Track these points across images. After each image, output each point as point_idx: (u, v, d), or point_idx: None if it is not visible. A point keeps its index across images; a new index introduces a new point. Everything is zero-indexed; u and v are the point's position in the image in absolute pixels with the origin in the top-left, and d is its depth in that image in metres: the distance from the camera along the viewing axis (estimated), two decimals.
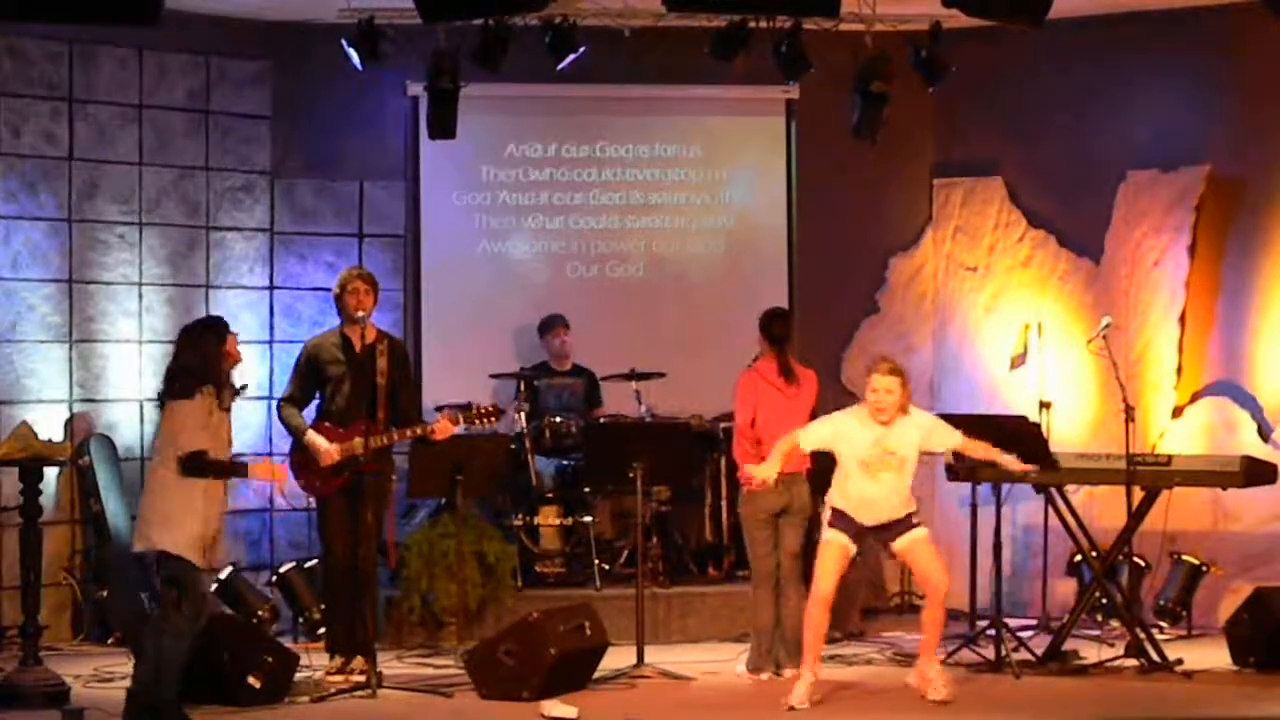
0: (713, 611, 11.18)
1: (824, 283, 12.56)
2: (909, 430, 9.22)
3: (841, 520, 9.22)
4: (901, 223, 12.83)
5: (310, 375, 9.98)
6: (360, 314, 9.83)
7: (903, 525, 9.23)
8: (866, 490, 9.17)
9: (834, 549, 9.21)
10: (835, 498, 9.27)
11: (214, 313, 11.75)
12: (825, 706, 9.24)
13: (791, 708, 9.05)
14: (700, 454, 11.35)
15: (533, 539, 11.31)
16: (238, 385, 8.70)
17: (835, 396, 10.65)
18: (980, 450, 9.48)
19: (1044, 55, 12.00)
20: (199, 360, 8.57)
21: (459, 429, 10.06)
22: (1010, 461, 9.45)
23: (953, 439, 9.42)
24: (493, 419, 10.16)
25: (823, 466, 10.56)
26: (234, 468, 8.60)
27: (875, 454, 9.16)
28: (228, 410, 8.62)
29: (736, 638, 10.72)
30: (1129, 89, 12.04)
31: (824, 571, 9.21)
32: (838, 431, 9.28)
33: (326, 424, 9.90)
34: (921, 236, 12.82)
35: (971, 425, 10.41)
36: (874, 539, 9.37)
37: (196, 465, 8.45)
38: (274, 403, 10.74)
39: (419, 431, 9.86)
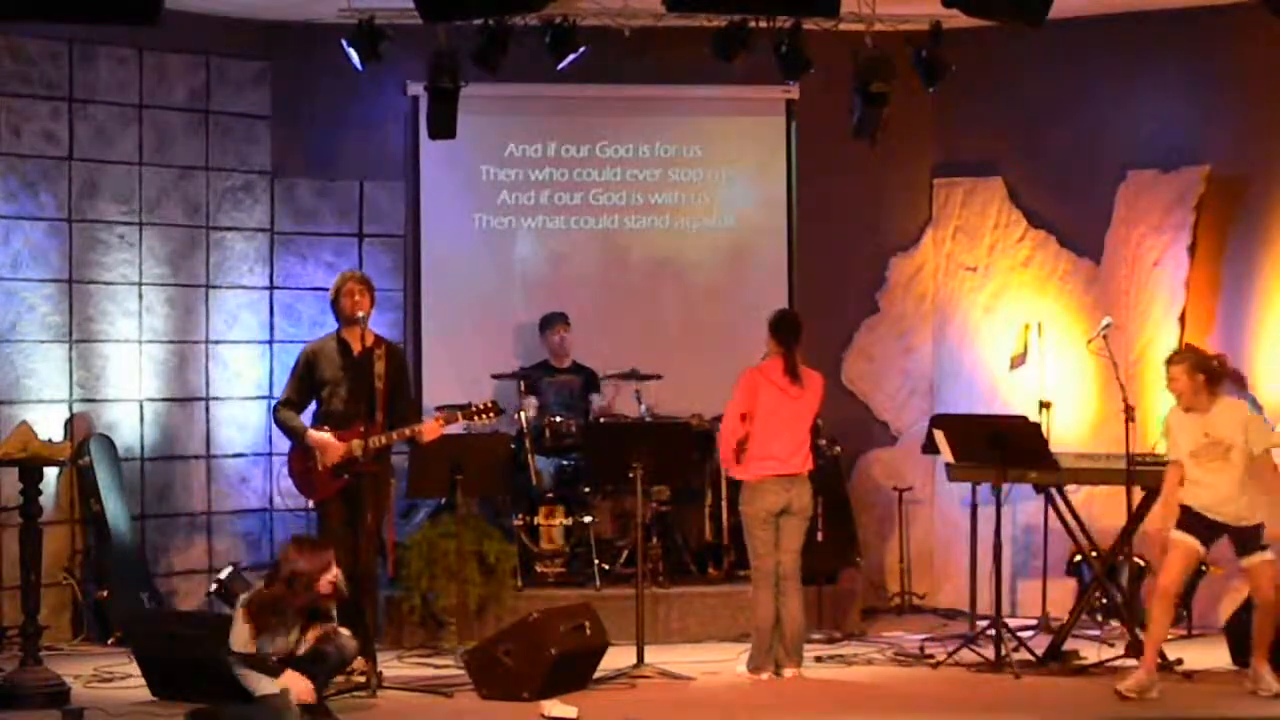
0: (713, 611, 11.18)
1: (824, 283, 12.55)
2: (1229, 417, 9.35)
3: (1188, 518, 9.34)
4: (901, 223, 12.83)
5: (308, 379, 9.98)
6: (360, 314, 9.83)
7: (1253, 540, 9.33)
8: (1203, 482, 9.31)
9: (1179, 549, 9.35)
10: (1184, 495, 9.42)
11: (214, 313, 11.82)
12: (826, 706, 9.25)
13: (1120, 695, 9.19)
14: (700, 454, 11.34)
15: (533, 539, 11.31)
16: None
17: (835, 397, 10.64)
18: None
19: (1044, 55, 12.00)
20: None
21: (458, 428, 10.04)
22: None
23: (1265, 440, 9.46)
24: (490, 415, 10.14)
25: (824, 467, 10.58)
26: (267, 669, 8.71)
27: (1203, 443, 9.34)
28: None
29: (736, 638, 10.72)
30: (1129, 89, 12.05)
31: (1167, 568, 9.38)
32: (1174, 428, 9.48)
33: (325, 427, 9.90)
34: (921, 236, 12.81)
35: (971, 425, 10.46)
36: (1229, 540, 9.42)
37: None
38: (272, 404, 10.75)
39: (408, 433, 9.86)
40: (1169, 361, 9.51)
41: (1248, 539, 9.34)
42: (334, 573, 8.82)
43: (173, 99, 11.83)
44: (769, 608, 9.89)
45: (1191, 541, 9.33)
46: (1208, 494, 9.33)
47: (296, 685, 8.54)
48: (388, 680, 9.59)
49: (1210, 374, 9.40)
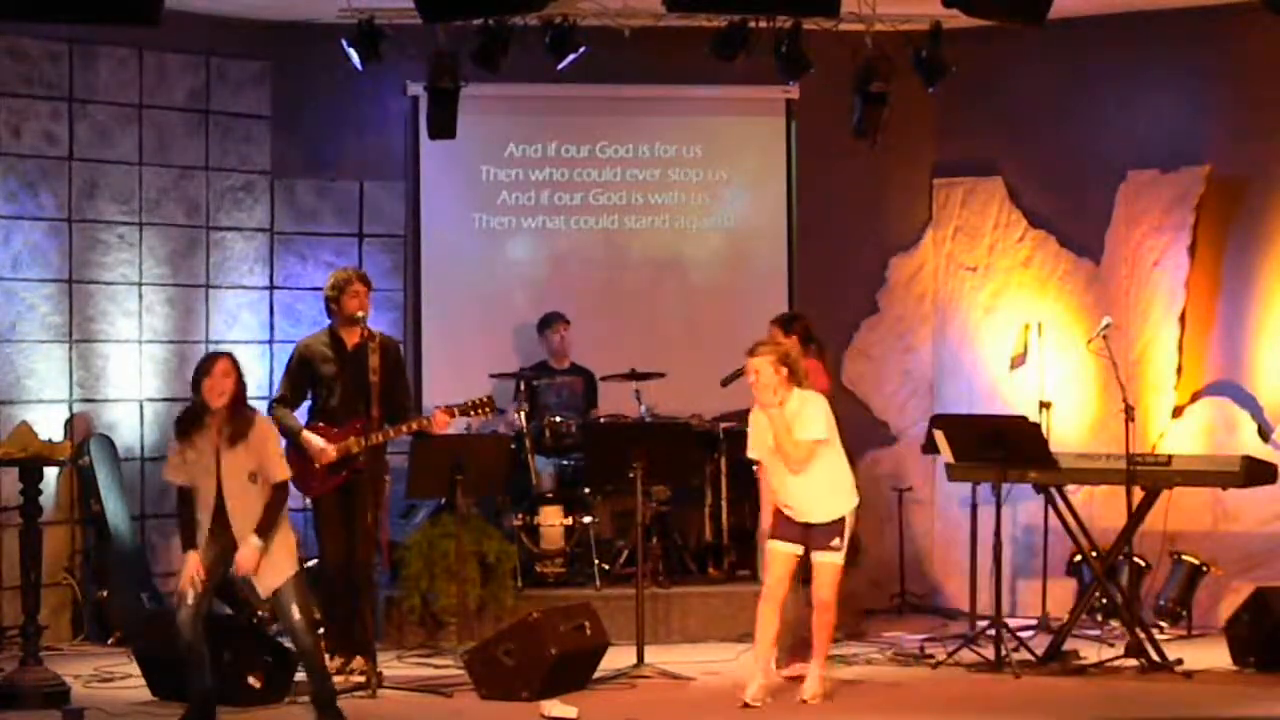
0: (713, 611, 11.18)
1: (824, 283, 12.56)
2: (796, 411, 9.12)
3: (781, 522, 9.20)
4: (901, 223, 12.83)
5: (302, 376, 9.98)
6: (361, 314, 9.83)
7: (826, 536, 9.17)
8: (786, 483, 9.16)
9: (774, 558, 9.22)
10: (776, 497, 9.26)
11: (214, 313, 11.82)
12: (826, 706, 9.24)
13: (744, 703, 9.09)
14: (700, 454, 11.34)
15: (533, 539, 11.31)
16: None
17: (835, 396, 10.62)
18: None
19: (1044, 55, 12.00)
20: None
21: (457, 421, 10.05)
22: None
23: (805, 433, 9.12)
24: (488, 410, 10.14)
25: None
26: (186, 536, 8.57)
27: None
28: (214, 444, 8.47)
29: (737, 638, 10.72)
30: (1129, 89, 12.04)
31: (767, 576, 9.28)
32: (755, 425, 9.25)
33: (321, 424, 9.91)
34: (921, 236, 12.81)
35: (971, 425, 10.46)
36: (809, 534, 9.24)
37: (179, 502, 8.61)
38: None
39: (415, 427, 9.86)
40: (750, 354, 9.17)
41: (823, 535, 9.16)
42: (219, 377, 8.43)
43: (173, 99, 11.83)
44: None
45: (785, 549, 9.18)
46: (793, 497, 9.16)
47: (190, 565, 8.44)
48: (388, 680, 9.59)
49: (792, 368, 9.14)
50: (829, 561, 9.17)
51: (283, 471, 8.61)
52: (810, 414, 9.14)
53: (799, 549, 9.21)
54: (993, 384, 12.40)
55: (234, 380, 8.47)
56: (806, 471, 9.13)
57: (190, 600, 8.44)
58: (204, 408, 8.46)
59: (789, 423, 9.10)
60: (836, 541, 9.17)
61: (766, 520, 9.32)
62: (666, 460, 10.45)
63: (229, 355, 8.60)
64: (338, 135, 12.26)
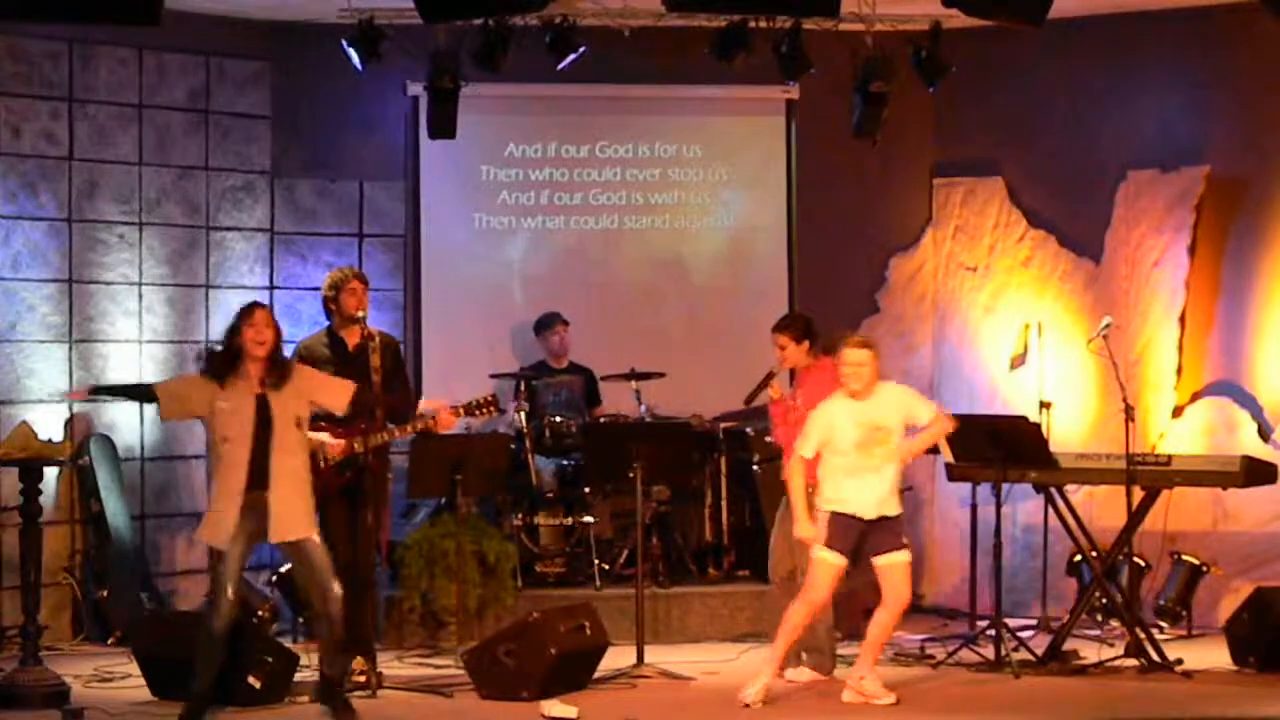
0: (713, 611, 11.18)
1: (824, 283, 12.55)
2: (889, 400, 9.17)
3: (837, 527, 9.09)
4: (901, 223, 12.83)
5: None
6: (361, 314, 9.81)
7: (893, 535, 9.16)
8: (860, 480, 9.08)
9: (827, 569, 9.13)
10: (831, 499, 9.16)
11: (214, 313, 11.83)
12: (826, 707, 9.24)
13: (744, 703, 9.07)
14: (700, 454, 11.34)
15: (533, 539, 11.31)
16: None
17: None
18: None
19: (1044, 55, 12.00)
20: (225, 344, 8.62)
21: (459, 421, 10.07)
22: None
23: (928, 409, 9.30)
24: (491, 409, 10.14)
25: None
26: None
27: (861, 433, 9.08)
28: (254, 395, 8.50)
29: (737, 637, 10.75)
30: (1129, 89, 12.05)
31: (819, 587, 9.21)
32: (835, 416, 9.17)
33: (324, 425, 9.89)
34: (921, 236, 12.82)
35: (971, 425, 10.46)
36: (868, 536, 9.17)
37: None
38: None
39: (420, 426, 9.85)
40: (850, 345, 9.17)
41: (889, 534, 9.15)
42: (261, 326, 8.53)
43: (173, 99, 11.83)
44: None
45: (835, 560, 9.11)
46: (866, 492, 9.09)
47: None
48: (388, 680, 9.59)
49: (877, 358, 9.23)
50: (902, 561, 9.18)
51: (345, 390, 8.75)
52: (916, 400, 9.31)
53: (845, 561, 9.15)
54: (993, 384, 12.40)
55: (274, 330, 8.60)
56: (885, 465, 9.10)
57: (230, 592, 8.45)
58: (240, 356, 8.47)
59: (876, 418, 9.09)
60: (905, 539, 9.21)
61: (825, 526, 9.13)
62: (666, 460, 10.45)
63: (266, 305, 8.66)
64: (338, 135, 12.26)
